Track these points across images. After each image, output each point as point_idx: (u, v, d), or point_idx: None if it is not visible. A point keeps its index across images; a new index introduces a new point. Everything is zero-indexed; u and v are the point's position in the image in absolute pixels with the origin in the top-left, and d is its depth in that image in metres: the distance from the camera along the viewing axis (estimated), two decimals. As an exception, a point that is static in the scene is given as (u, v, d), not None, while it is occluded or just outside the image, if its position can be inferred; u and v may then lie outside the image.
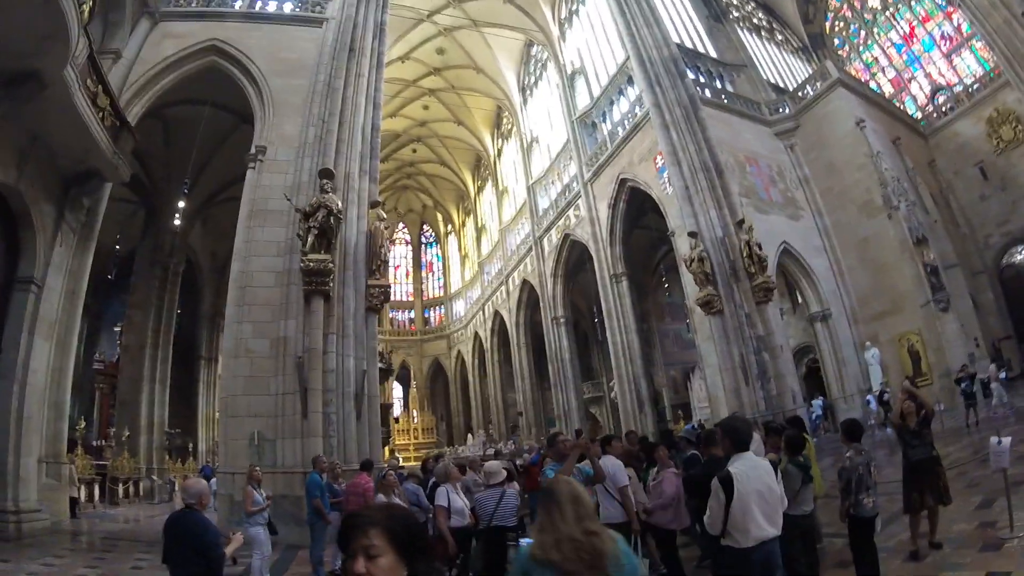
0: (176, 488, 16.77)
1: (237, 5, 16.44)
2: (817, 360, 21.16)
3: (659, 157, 20.19)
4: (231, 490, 10.92)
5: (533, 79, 32.20)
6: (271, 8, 16.73)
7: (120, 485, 16.36)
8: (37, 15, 8.08)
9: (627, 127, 22.96)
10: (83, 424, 16.99)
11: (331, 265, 12.28)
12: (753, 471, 3.22)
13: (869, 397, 17.14)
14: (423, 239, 50.90)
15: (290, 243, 12.75)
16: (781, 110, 23.26)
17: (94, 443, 17.43)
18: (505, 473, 6.36)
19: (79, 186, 12.15)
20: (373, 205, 14.43)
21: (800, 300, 22.24)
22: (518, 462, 12.57)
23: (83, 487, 14.22)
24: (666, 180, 19.93)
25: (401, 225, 49.87)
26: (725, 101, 22.19)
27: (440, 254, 50.19)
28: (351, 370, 12.32)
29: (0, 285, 10.96)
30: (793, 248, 20.18)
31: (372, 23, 16.32)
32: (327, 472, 8.95)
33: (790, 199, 21.44)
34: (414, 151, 40.25)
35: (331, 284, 12.38)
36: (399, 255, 49.83)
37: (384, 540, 1.34)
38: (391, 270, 46.71)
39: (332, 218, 12.29)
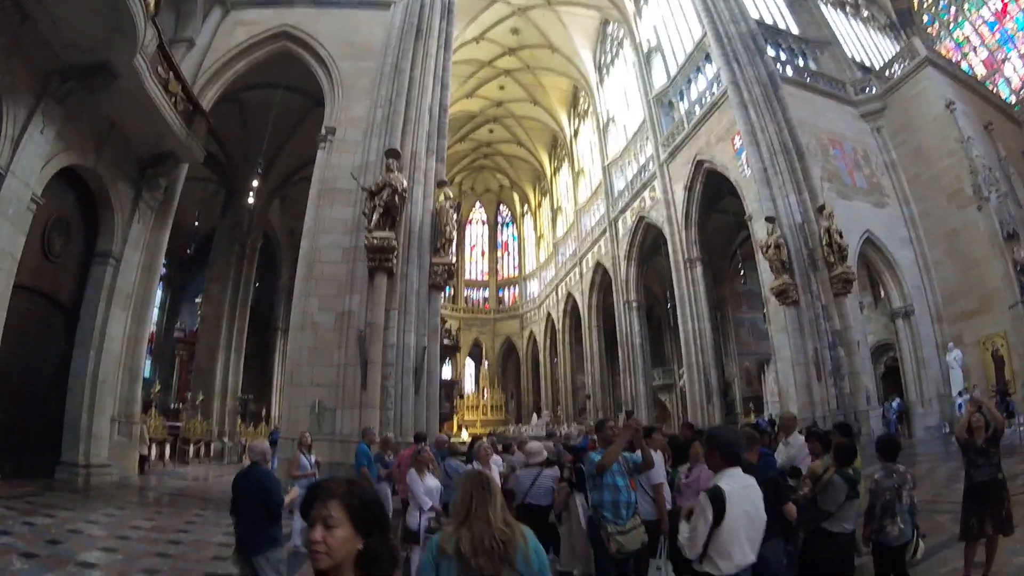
0: (246, 450, 17.89)
1: (307, -10, 16.79)
2: (896, 359, 19.61)
3: (737, 137, 19.18)
4: (291, 455, 11.53)
5: (609, 57, 31.29)
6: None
7: (191, 446, 17.42)
8: (104, 9, 8.57)
9: (704, 106, 21.96)
10: (157, 388, 18.38)
11: (394, 242, 12.51)
12: (743, 490, 2.96)
13: (959, 401, 15.76)
14: (499, 219, 51.04)
15: (357, 221, 13.10)
16: (867, 90, 21.44)
17: (172, 406, 18.81)
18: (545, 454, 6.35)
19: (155, 167, 12.93)
20: (440, 184, 14.62)
21: (882, 294, 20.63)
22: (571, 443, 12.53)
23: (155, 446, 15.26)
24: (744, 161, 18.94)
25: (477, 205, 50.39)
26: (807, 80, 20.72)
27: (516, 234, 50.25)
28: (411, 345, 12.62)
29: (80, 260, 11.89)
30: (876, 238, 18.71)
31: (440, 4, 16.47)
32: (376, 444, 9.24)
33: (875, 185, 19.80)
34: (491, 131, 40.21)
35: (394, 261, 12.65)
36: (475, 234, 50.47)
37: (342, 512, 1.40)
38: (467, 249, 48.18)
39: (396, 197, 12.54)
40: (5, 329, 9.15)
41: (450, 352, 20.20)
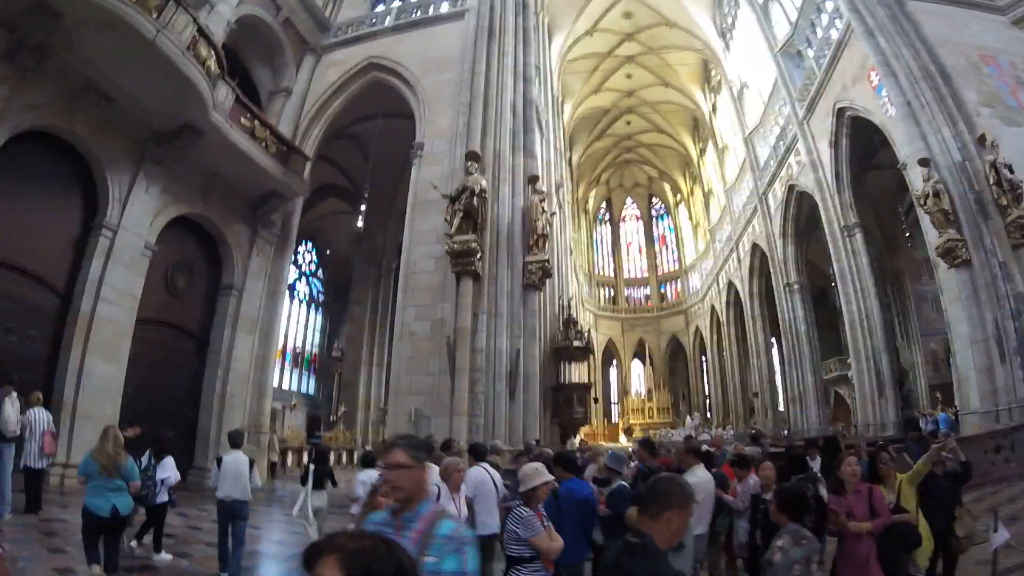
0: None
1: (387, 21, 17.55)
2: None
3: (873, 73, 16.22)
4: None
5: (730, 20, 28.26)
6: (417, 15, 17.38)
7: (331, 454, 18.74)
8: (165, 81, 9.79)
9: (831, 45, 18.99)
10: (294, 403, 20.20)
11: (474, 245, 12.40)
12: (234, 460, 6.31)
13: None
14: (652, 212, 48.78)
15: (446, 229, 13.17)
16: (1015, -9, 16.84)
17: (331, 418, 20.57)
18: (542, 479, 3.91)
19: (263, 206, 14.36)
20: (532, 180, 14.28)
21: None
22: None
23: (291, 454, 16.70)
24: (886, 99, 15.92)
25: (629, 200, 48.80)
26: (939, -12, 16.91)
27: (672, 226, 47.58)
28: (503, 349, 12.40)
29: (206, 293, 13.61)
30: (1057, 168, 14.33)
31: (512, 1, 16.28)
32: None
33: (1046, 104, 15.40)
34: (627, 123, 38.71)
35: (478, 264, 12.55)
36: (630, 231, 48.84)
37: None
38: (623, 247, 46.65)
39: (475, 199, 12.45)
40: (138, 356, 10.81)
41: (582, 355, 19.27)
